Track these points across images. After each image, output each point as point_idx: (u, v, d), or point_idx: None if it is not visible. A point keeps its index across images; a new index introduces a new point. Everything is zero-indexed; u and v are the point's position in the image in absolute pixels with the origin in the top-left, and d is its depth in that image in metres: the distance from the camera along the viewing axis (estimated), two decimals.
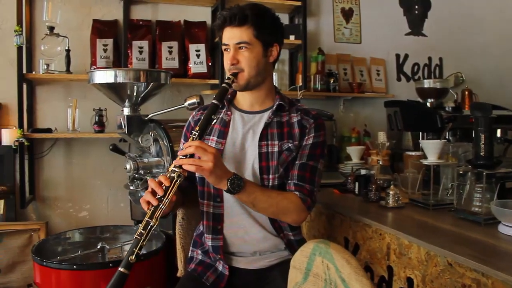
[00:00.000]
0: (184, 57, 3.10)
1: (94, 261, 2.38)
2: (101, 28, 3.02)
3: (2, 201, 2.75)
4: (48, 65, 2.81)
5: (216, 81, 3.08)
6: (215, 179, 1.42)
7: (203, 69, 3.08)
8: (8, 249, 2.69)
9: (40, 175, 2.99)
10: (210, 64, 3.12)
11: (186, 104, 2.33)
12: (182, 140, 1.76)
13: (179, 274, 1.88)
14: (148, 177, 2.41)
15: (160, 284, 2.32)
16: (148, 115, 2.46)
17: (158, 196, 1.35)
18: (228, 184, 1.43)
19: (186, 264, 1.81)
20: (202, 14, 3.29)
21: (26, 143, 2.72)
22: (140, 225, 1.33)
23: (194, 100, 2.32)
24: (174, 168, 1.37)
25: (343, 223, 2.06)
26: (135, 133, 2.45)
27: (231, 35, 1.55)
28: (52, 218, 2.99)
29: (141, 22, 3.13)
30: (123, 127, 2.43)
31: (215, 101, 1.48)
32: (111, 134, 2.87)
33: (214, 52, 3.20)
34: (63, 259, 2.33)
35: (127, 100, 2.45)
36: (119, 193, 3.08)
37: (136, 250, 1.28)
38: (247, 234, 1.62)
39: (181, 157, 1.39)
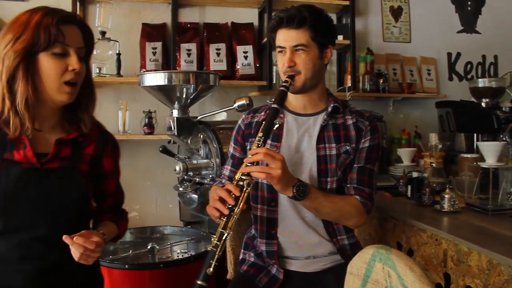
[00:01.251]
0: (231, 58, 3.11)
1: (144, 261, 2.40)
2: (150, 32, 3.08)
3: None
4: (100, 69, 2.88)
5: (264, 83, 3.07)
6: (282, 186, 1.40)
7: (250, 70, 3.07)
8: None
9: None
10: (257, 65, 3.11)
11: (235, 105, 2.34)
12: (232, 144, 1.75)
13: (229, 276, 1.88)
14: (197, 179, 2.43)
15: (209, 286, 2.32)
16: (197, 117, 2.48)
17: (228, 206, 1.34)
18: (294, 191, 1.41)
19: (236, 266, 1.81)
20: (249, 15, 3.29)
21: None
22: (213, 236, 1.32)
23: (243, 101, 2.31)
24: (242, 176, 1.36)
25: (396, 227, 2.00)
26: (184, 135, 2.47)
27: (287, 37, 1.54)
28: None
29: (189, 25, 3.16)
30: (172, 129, 2.46)
31: (275, 106, 1.45)
32: (160, 136, 2.91)
33: (262, 53, 3.19)
34: (115, 258, 2.37)
35: (176, 102, 2.47)
36: (168, 195, 3.12)
37: (213, 263, 1.27)
38: (301, 239, 1.60)
39: (247, 164, 1.37)
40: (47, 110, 1.33)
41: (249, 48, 3.12)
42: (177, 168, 2.43)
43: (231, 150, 1.76)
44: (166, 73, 2.38)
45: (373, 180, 1.61)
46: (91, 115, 1.41)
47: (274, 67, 3.12)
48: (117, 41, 2.93)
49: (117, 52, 2.93)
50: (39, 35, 1.21)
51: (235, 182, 1.36)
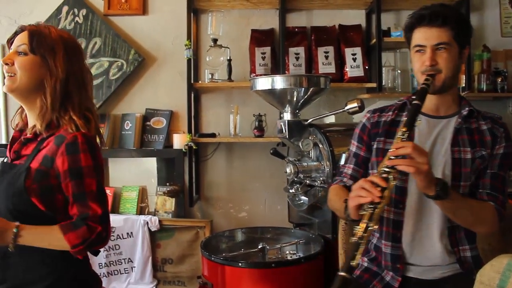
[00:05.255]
0: (340, 61, 3.09)
1: (254, 260, 2.47)
2: (259, 37, 3.16)
3: (174, 199, 3.01)
4: (212, 75, 3.02)
5: (373, 85, 3.01)
6: (426, 183, 1.36)
7: (359, 72, 3.04)
8: (179, 243, 2.95)
9: (204, 176, 3.22)
10: (366, 67, 3.07)
11: (346, 108, 2.33)
12: (355, 143, 1.74)
13: None
14: (307, 181, 2.45)
15: None
16: (307, 120, 2.50)
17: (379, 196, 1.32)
18: (438, 189, 1.36)
19: None
20: (357, 17, 3.25)
21: (194, 147, 2.96)
22: (357, 227, 1.28)
23: (355, 104, 2.30)
24: (386, 169, 1.33)
25: None
26: (295, 137, 2.51)
27: (429, 35, 1.51)
28: (214, 216, 3.20)
29: (296, 29, 3.19)
30: (283, 131, 2.50)
31: (417, 102, 1.42)
32: (270, 138, 2.98)
33: (370, 55, 3.14)
34: (228, 255, 2.47)
35: (287, 105, 2.51)
36: (276, 196, 3.18)
37: (357, 254, 1.22)
38: (423, 245, 1.56)
39: (391, 157, 1.34)
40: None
41: (358, 50, 3.08)
42: (288, 170, 2.46)
43: (353, 149, 1.75)
44: (278, 77, 2.44)
45: (505, 188, 1.54)
46: (42, 118, 1.43)
47: (384, 69, 3.05)
48: (228, 48, 3.05)
49: (228, 58, 3.05)
50: None
51: (377, 175, 1.34)
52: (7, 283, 1.40)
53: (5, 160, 1.51)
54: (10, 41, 1.50)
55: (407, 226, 1.57)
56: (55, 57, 1.43)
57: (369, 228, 1.26)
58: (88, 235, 1.34)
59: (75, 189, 1.37)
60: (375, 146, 1.66)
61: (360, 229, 1.26)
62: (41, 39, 1.43)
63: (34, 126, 1.45)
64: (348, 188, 1.63)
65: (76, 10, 3.25)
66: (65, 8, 3.25)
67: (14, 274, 1.39)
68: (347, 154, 1.82)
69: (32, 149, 1.43)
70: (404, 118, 1.51)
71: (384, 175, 1.32)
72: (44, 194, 1.38)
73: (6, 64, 1.43)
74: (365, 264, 1.68)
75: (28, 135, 1.46)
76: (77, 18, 3.25)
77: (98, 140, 1.49)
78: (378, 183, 1.30)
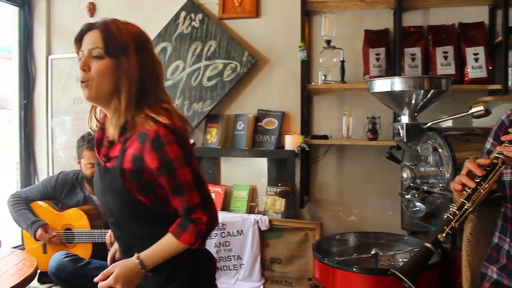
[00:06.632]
0: (460, 61, 2.93)
1: (366, 265, 2.43)
2: (373, 38, 3.09)
3: (284, 200, 3.05)
4: (325, 76, 3.01)
5: (498, 86, 2.80)
6: None
7: (482, 73, 2.85)
8: (287, 243, 2.99)
9: (315, 178, 3.22)
10: (490, 68, 2.87)
11: (471, 111, 2.20)
12: (491, 140, 1.64)
13: None
14: (425, 187, 2.36)
15: None
16: (426, 123, 2.41)
17: (476, 179, 1.30)
18: None
19: (474, 284, 1.69)
20: (479, 14, 3.05)
21: (307, 148, 2.97)
22: (453, 204, 1.30)
23: (480, 107, 2.17)
24: (497, 155, 1.30)
25: None
26: (413, 141, 2.42)
27: None
28: (324, 219, 3.18)
29: (412, 29, 3.07)
30: (401, 135, 2.43)
31: None
32: (384, 142, 2.91)
33: (495, 54, 2.94)
34: (340, 259, 2.44)
35: (405, 108, 2.43)
36: (388, 201, 3.09)
37: (447, 229, 1.26)
38: None
39: (506, 144, 1.30)
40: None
41: (480, 50, 2.89)
42: (404, 175, 2.39)
43: (488, 146, 1.65)
44: (397, 79, 2.37)
45: None
46: (115, 123, 1.42)
47: (510, 69, 2.84)
48: (341, 49, 3.02)
49: (341, 59, 3.02)
50: None
51: (489, 160, 1.31)
52: None
53: (98, 164, 1.53)
54: (78, 40, 1.46)
55: None
56: (128, 57, 1.40)
57: (465, 207, 1.27)
58: (198, 229, 1.40)
59: (170, 183, 1.39)
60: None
61: (455, 206, 1.29)
62: (114, 39, 1.41)
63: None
64: None
65: (192, 15, 3.41)
66: (183, 14, 3.43)
67: None
68: (481, 152, 1.72)
69: (119, 150, 1.44)
70: None
71: (495, 161, 1.30)
72: (145, 190, 1.42)
73: (83, 70, 1.41)
74: (495, 276, 1.57)
75: (110, 138, 1.48)
76: (193, 23, 3.40)
77: (182, 126, 1.46)
78: (482, 162, 1.29)
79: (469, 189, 1.29)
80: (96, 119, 1.57)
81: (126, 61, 1.40)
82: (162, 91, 1.51)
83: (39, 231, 2.69)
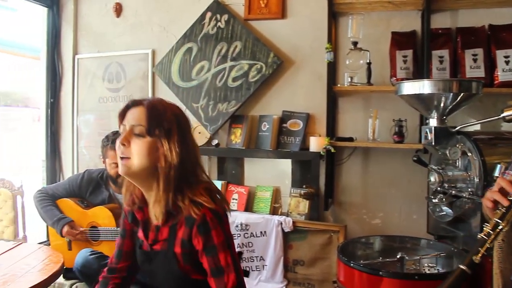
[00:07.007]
0: (490, 64, 2.88)
1: (392, 269, 2.40)
2: (400, 40, 3.06)
3: (308, 202, 3.04)
4: (351, 78, 2.99)
5: None
6: None
7: None
8: (311, 245, 2.97)
9: (339, 180, 3.20)
10: None
11: (503, 115, 2.16)
12: None
13: None
14: (453, 192, 2.32)
15: None
16: (454, 127, 2.37)
17: (510, 197, 1.26)
18: None
19: None
20: (511, 15, 3.00)
21: (332, 150, 2.95)
22: (487, 224, 1.27)
23: None
24: None
25: None
26: (440, 145, 2.39)
27: None
28: (347, 222, 3.16)
29: (440, 31, 3.03)
30: (429, 138, 2.40)
31: None
32: (410, 145, 2.87)
33: None
34: (366, 263, 2.42)
35: (434, 111, 2.40)
36: (413, 205, 3.05)
37: (482, 251, 1.23)
38: None
39: None
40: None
41: (511, 52, 2.84)
42: (432, 179, 2.35)
43: None
44: (426, 81, 2.34)
45: None
46: (157, 208, 1.44)
47: None
48: (368, 51, 3.00)
49: (368, 61, 2.99)
50: None
51: None
52: None
53: (142, 246, 1.57)
54: (121, 114, 1.48)
55: None
56: (170, 141, 1.41)
57: (499, 227, 1.24)
58: None
59: (211, 264, 1.43)
60: None
61: (488, 226, 1.25)
62: (158, 120, 1.41)
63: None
64: None
65: (218, 16, 3.42)
66: (209, 14, 3.44)
67: None
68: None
69: (167, 234, 1.49)
70: None
71: None
72: (200, 270, 1.47)
73: (123, 145, 1.41)
74: None
75: (156, 223, 1.49)
76: (219, 23, 3.42)
77: (222, 206, 1.49)
78: None
79: (502, 208, 1.26)
80: (136, 195, 1.56)
81: (167, 144, 1.41)
82: (203, 172, 1.53)
83: (66, 228, 2.73)
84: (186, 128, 1.50)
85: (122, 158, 1.42)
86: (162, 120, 1.42)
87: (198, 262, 1.46)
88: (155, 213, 1.45)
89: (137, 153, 1.40)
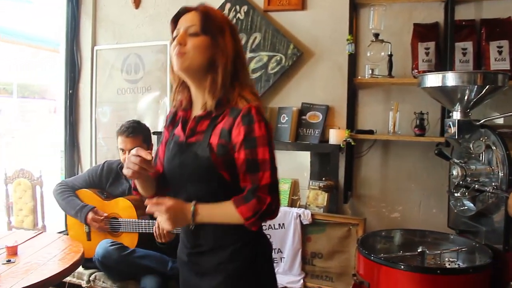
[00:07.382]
0: None
1: (412, 263, 2.38)
2: (422, 32, 3.01)
3: (327, 194, 3.02)
4: (372, 70, 2.96)
5: None
6: None
7: None
8: (329, 238, 2.96)
9: (358, 173, 3.19)
10: None
11: None
12: None
13: None
14: (476, 186, 2.29)
15: None
16: (478, 120, 2.34)
17: None
18: None
19: None
20: None
21: (352, 143, 2.93)
22: None
23: None
24: None
25: None
26: (464, 138, 2.36)
27: None
28: (366, 215, 3.14)
29: (463, 23, 2.98)
30: (452, 131, 2.36)
31: None
32: (432, 138, 2.84)
33: None
34: (386, 256, 2.40)
35: (457, 104, 2.37)
36: (433, 199, 3.03)
37: None
38: None
39: None
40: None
41: None
42: (455, 172, 2.33)
43: None
44: (450, 74, 2.30)
45: None
46: (212, 96, 1.46)
47: None
48: (389, 43, 2.96)
49: (389, 53, 2.96)
50: None
51: None
52: (202, 247, 1.54)
53: (178, 140, 1.57)
54: (174, 21, 1.54)
55: None
56: (224, 37, 1.47)
57: None
58: (259, 207, 1.40)
59: (249, 157, 1.41)
60: None
61: None
62: (211, 20, 1.47)
63: (205, 103, 1.49)
64: None
65: (237, 7, 3.40)
66: (228, 5, 3.43)
67: (206, 242, 1.52)
68: None
69: (207, 125, 1.49)
70: None
71: None
72: (229, 166, 1.45)
73: (180, 44, 1.46)
74: None
75: (200, 113, 1.51)
76: (238, 14, 3.40)
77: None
78: None
79: None
80: (185, 98, 1.60)
81: (222, 39, 1.47)
82: (249, 77, 1.58)
83: (90, 215, 2.74)
84: (236, 31, 1.55)
85: (178, 54, 1.47)
86: (214, 19, 1.48)
87: (230, 158, 1.44)
88: (210, 100, 1.47)
89: (193, 49, 1.45)
